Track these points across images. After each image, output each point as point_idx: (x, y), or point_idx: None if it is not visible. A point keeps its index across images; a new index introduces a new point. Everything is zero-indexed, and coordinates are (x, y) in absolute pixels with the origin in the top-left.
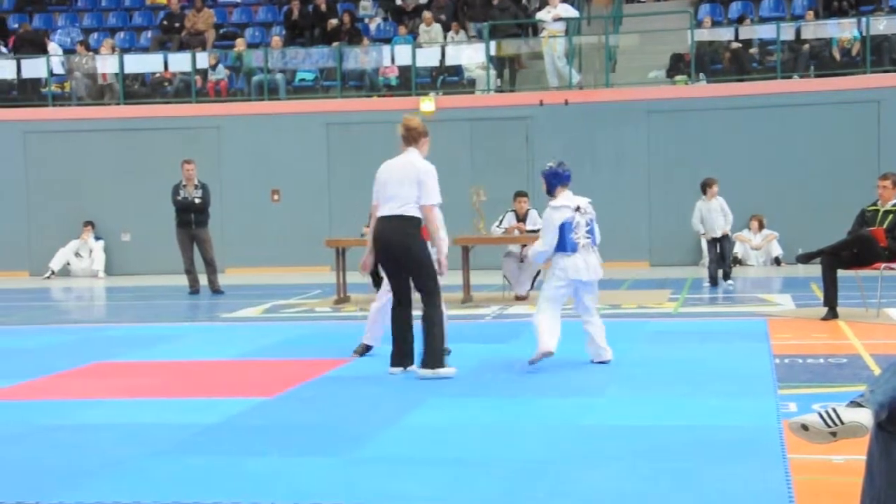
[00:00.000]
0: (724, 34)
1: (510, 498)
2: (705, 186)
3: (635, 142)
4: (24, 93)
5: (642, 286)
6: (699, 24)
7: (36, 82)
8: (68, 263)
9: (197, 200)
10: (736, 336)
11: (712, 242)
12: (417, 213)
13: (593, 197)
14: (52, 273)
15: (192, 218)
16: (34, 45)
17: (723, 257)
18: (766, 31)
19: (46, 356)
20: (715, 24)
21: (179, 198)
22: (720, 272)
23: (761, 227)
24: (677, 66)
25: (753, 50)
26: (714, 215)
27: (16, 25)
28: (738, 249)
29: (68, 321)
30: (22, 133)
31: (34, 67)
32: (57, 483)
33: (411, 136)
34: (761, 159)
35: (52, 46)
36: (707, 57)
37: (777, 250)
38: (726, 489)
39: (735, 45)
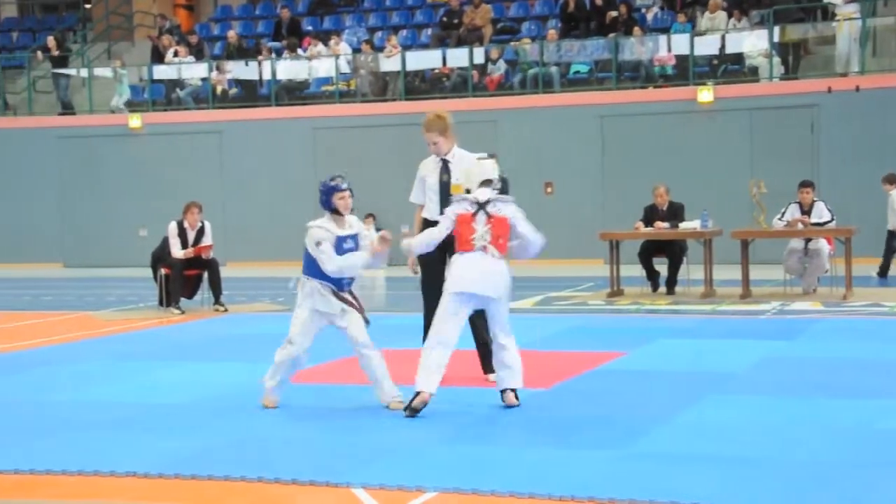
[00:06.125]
0: None
1: (796, 501)
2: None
3: None
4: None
5: None
6: None
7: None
8: None
9: None
10: None
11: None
12: None
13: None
14: None
15: None
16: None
17: (890, 251)
18: None
19: (329, 342)
20: None
21: None
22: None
23: None
24: None
25: None
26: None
27: (309, 27)
28: None
29: None
30: (311, 129)
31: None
32: (343, 464)
33: None
34: None
35: (343, 46)
36: None
37: None
38: None
39: None
